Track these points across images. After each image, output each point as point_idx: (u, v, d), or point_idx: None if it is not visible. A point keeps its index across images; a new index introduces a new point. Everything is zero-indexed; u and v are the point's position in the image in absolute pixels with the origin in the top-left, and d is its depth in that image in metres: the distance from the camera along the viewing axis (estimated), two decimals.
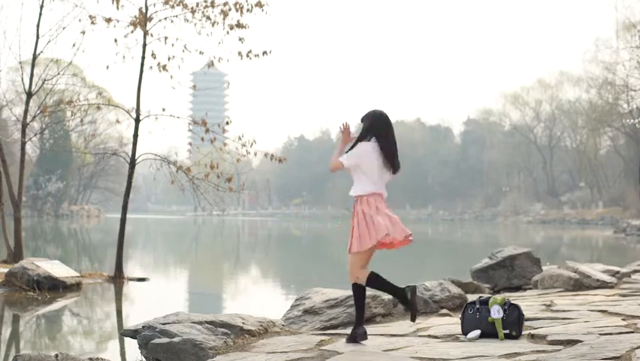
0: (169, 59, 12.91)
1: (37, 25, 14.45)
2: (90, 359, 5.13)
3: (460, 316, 5.54)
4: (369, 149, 5.22)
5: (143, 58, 13.04)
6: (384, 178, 5.28)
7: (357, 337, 5.19)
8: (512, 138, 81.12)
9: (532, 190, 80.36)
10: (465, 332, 5.28)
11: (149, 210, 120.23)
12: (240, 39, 12.83)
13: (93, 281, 12.47)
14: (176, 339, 5.12)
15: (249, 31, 12.84)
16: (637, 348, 4.42)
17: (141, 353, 5.40)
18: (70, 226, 46.47)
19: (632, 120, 28.37)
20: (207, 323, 5.52)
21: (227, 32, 12.77)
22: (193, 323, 5.50)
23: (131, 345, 6.05)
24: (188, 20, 12.91)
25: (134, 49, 13.05)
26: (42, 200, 64.56)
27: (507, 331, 5.15)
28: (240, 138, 13.11)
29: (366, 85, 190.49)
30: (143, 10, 12.86)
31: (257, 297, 12.10)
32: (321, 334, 5.76)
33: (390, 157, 5.25)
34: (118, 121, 18.02)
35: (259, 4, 12.66)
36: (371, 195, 5.18)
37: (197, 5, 12.83)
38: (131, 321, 8.09)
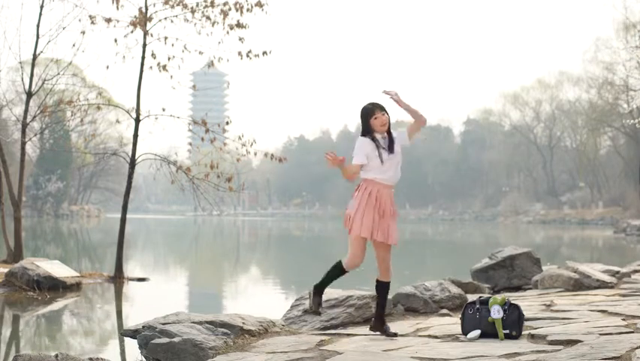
0: (169, 59, 12.93)
1: (37, 25, 14.45)
2: (90, 359, 5.12)
3: (460, 316, 5.53)
4: (366, 143, 5.32)
5: (143, 58, 13.05)
6: (388, 166, 5.31)
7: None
8: (512, 138, 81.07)
9: (532, 190, 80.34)
10: (465, 332, 5.28)
11: (149, 210, 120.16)
12: (240, 39, 12.84)
13: (93, 281, 12.47)
14: (176, 339, 5.11)
15: (249, 31, 12.86)
16: (637, 348, 4.42)
17: (141, 353, 5.40)
18: (70, 226, 46.45)
19: (632, 120, 28.32)
20: (207, 323, 5.52)
21: (227, 32, 12.78)
22: (193, 323, 5.50)
23: (131, 345, 6.05)
24: (188, 20, 12.92)
25: (134, 49, 13.07)
26: (42, 200, 64.54)
27: (507, 331, 5.15)
28: (240, 138, 13.12)
29: (366, 85, 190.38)
30: (143, 10, 12.86)
31: (257, 297, 12.10)
32: (321, 334, 5.76)
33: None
34: (118, 121, 18.03)
35: (259, 4, 12.67)
36: (371, 181, 5.28)
37: (197, 5, 12.83)
38: (131, 321, 8.09)
